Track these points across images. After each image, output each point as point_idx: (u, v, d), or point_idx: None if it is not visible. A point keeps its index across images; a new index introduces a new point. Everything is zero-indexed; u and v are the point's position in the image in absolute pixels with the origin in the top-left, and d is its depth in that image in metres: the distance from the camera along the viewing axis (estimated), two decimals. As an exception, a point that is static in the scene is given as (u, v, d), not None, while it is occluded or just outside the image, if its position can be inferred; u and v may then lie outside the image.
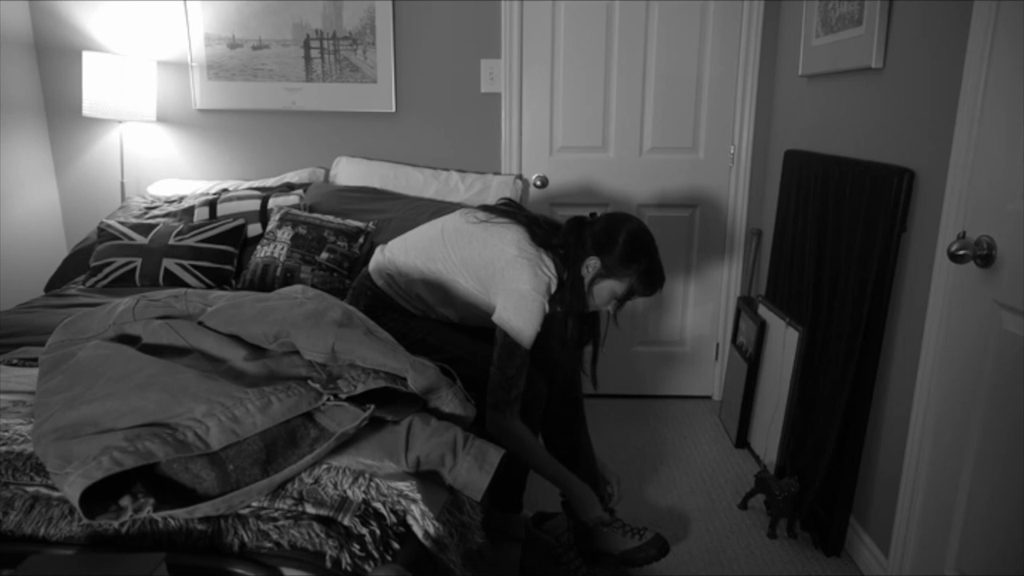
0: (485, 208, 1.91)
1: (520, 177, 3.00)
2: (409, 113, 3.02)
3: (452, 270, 1.85)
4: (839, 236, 2.11)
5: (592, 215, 1.88)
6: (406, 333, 1.83)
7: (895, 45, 1.91)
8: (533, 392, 1.86)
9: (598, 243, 1.79)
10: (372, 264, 2.00)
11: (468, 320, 1.93)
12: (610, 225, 1.81)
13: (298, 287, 1.60)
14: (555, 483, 1.89)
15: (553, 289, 1.78)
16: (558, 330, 1.86)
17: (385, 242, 2.09)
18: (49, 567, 0.95)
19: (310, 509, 1.11)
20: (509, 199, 1.99)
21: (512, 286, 1.74)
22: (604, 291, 1.81)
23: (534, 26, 2.91)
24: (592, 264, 1.79)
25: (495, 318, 1.77)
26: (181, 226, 2.57)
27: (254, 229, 2.64)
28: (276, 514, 1.10)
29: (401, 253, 1.94)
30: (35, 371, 1.53)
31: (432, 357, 1.44)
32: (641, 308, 3.17)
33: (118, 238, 2.53)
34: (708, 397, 3.26)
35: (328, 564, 1.03)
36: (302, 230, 2.49)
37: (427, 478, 1.24)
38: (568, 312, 1.82)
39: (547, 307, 1.77)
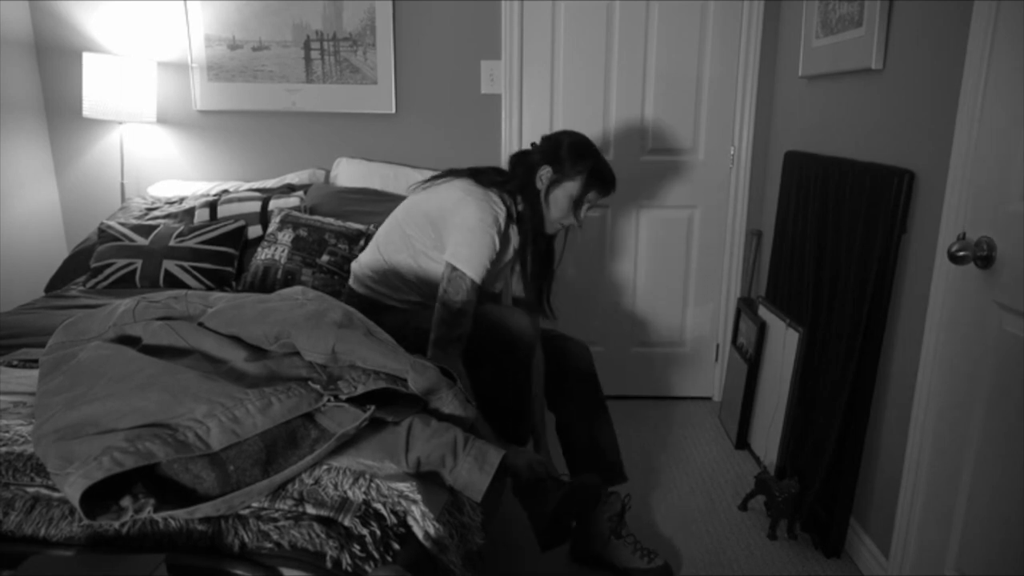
0: (428, 179, 2.01)
1: (520, 178, 3.01)
2: (409, 114, 3.02)
3: (419, 246, 1.90)
4: (839, 237, 2.11)
5: (533, 144, 1.98)
6: (401, 324, 1.84)
7: (895, 46, 1.92)
8: (518, 328, 1.82)
9: (544, 154, 1.89)
10: (351, 279, 2.08)
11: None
12: (551, 138, 1.94)
13: (298, 288, 1.60)
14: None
15: (502, 223, 1.83)
16: (523, 261, 1.94)
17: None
18: (49, 568, 0.95)
19: (310, 510, 1.11)
20: (450, 168, 2.06)
21: (459, 222, 1.81)
22: (561, 199, 1.88)
23: (534, 27, 2.92)
24: (544, 174, 1.87)
25: (446, 256, 1.81)
26: (182, 227, 2.57)
27: (254, 231, 2.65)
28: (276, 515, 1.10)
29: (370, 256, 2.02)
30: (36, 372, 1.53)
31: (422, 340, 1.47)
32: (641, 308, 3.17)
33: (118, 239, 2.53)
34: (708, 398, 3.26)
35: (328, 565, 1.03)
36: (303, 232, 2.49)
37: (427, 479, 1.24)
38: (527, 235, 1.89)
39: (497, 241, 1.81)
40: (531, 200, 1.88)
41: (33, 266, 3.00)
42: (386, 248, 1.98)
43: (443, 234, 1.85)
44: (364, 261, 2.04)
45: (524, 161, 1.92)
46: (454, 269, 1.78)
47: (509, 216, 1.87)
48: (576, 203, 1.90)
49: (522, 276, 2.04)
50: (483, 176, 1.90)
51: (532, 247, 1.92)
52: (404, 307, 1.96)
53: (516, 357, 1.82)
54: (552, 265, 2.06)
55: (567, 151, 1.87)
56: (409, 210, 1.96)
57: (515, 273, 2.12)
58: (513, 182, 1.90)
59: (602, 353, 3.12)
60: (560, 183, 1.87)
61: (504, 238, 1.86)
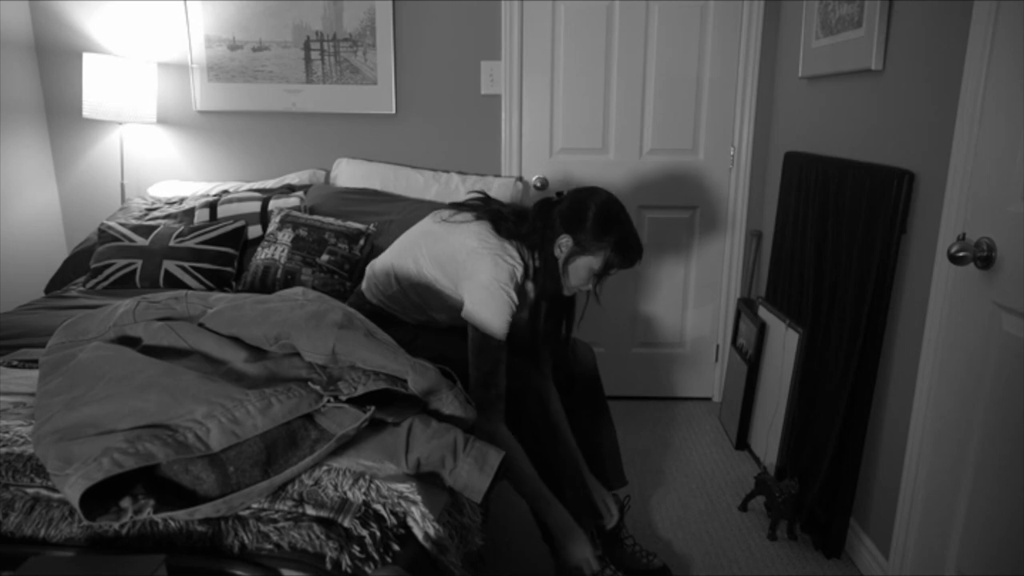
0: (453, 205, 1.90)
1: (520, 179, 3.00)
2: (409, 114, 3.02)
3: (430, 272, 1.84)
4: (839, 238, 2.11)
5: (559, 195, 1.85)
6: (409, 340, 1.82)
7: (895, 47, 1.92)
8: (522, 384, 1.81)
9: (567, 220, 1.75)
10: (364, 282, 2.02)
11: (459, 322, 1.91)
12: (577, 200, 1.78)
13: (298, 289, 1.60)
14: (534, 505, 1.72)
15: (518, 278, 1.73)
16: (534, 317, 1.82)
17: (384, 247, 2.09)
18: (49, 568, 0.95)
19: (310, 511, 1.11)
20: (482, 192, 1.95)
21: (474, 279, 1.71)
22: (580, 269, 1.76)
23: (534, 27, 2.92)
24: (564, 243, 1.74)
25: (464, 314, 1.73)
26: (181, 228, 2.57)
27: (254, 231, 2.65)
28: (276, 515, 1.10)
29: (383, 266, 1.94)
30: (35, 373, 1.53)
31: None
32: (641, 309, 3.17)
33: (118, 239, 2.53)
34: (708, 399, 3.26)
35: (328, 566, 1.03)
36: (303, 232, 2.49)
37: (427, 480, 1.24)
38: (542, 295, 1.78)
39: (514, 297, 1.71)
40: (548, 265, 1.76)
41: (33, 266, 3.00)
42: (399, 269, 1.91)
43: (455, 280, 1.79)
44: (378, 273, 1.96)
45: (545, 215, 1.78)
46: (476, 330, 1.70)
47: (526, 270, 1.76)
48: (597, 276, 1.79)
49: (533, 327, 1.90)
50: (503, 223, 1.78)
51: (547, 306, 1.81)
52: (413, 323, 1.94)
53: (518, 415, 1.77)
54: (572, 314, 1.96)
55: (592, 224, 1.72)
56: (423, 240, 1.86)
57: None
58: (532, 236, 1.77)
59: (603, 354, 3.13)
60: (580, 255, 1.74)
61: (522, 292, 1.77)
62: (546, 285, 1.77)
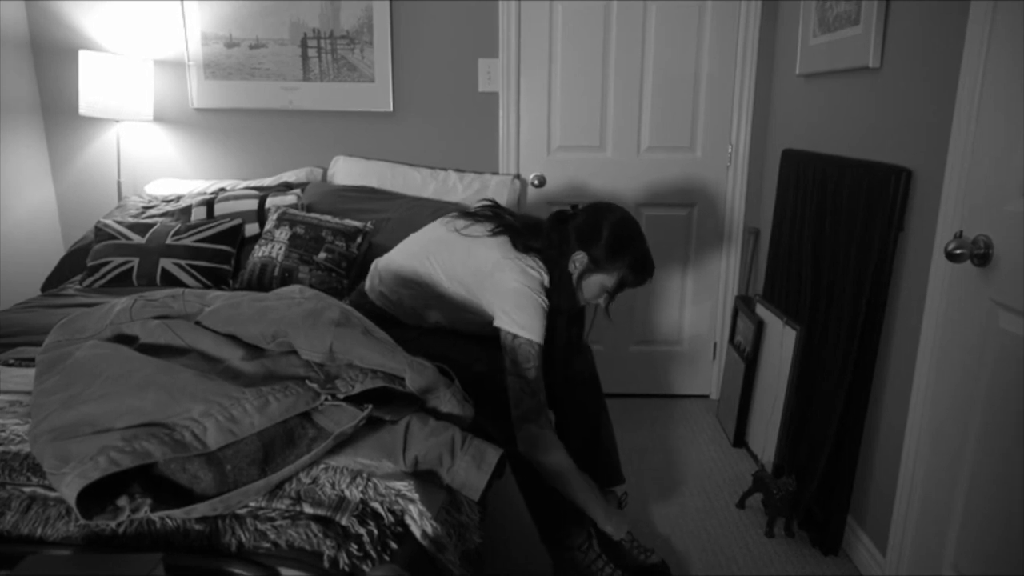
0: (464, 214, 1.88)
1: (518, 177, 3.00)
2: (407, 112, 3.02)
3: (436, 278, 1.82)
4: (836, 235, 2.11)
5: (574, 207, 1.84)
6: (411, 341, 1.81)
7: (892, 45, 1.92)
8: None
9: (582, 237, 1.75)
10: (367, 282, 2.00)
11: (459, 325, 1.90)
12: (592, 217, 1.78)
13: (296, 287, 1.59)
14: (585, 507, 1.75)
15: (546, 285, 1.74)
16: (553, 330, 1.81)
17: (381, 245, 2.07)
18: (46, 567, 0.95)
19: (308, 509, 1.11)
20: (492, 201, 1.94)
21: (503, 287, 1.71)
22: (593, 286, 1.78)
23: (532, 25, 2.91)
24: (579, 259, 1.75)
25: (497, 323, 1.72)
26: (178, 226, 2.56)
27: (251, 229, 2.64)
28: (274, 514, 1.10)
29: (387, 267, 1.93)
30: (32, 371, 1.52)
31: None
32: (639, 307, 3.17)
33: (115, 237, 2.52)
34: (706, 396, 3.27)
35: (326, 564, 1.03)
36: (300, 230, 2.48)
37: (425, 478, 1.24)
38: (558, 310, 1.78)
39: (545, 303, 1.72)
40: (563, 280, 1.76)
41: (30, 265, 2.99)
42: (407, 271, 1.88)
43: (477, 293, 1.77)
44: (383, 273, 1.93)
45: (560, 229, 1.78)
46: (515, 337, 1.68)
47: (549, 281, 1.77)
48: (610, 293, 1.80)
49: (552, 339, 1.88)
50: (519, 238, 1.78)
51: (560, 319, 1.80)
52: (414, 326, 1.93)
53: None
54: (582, 325, 1.96)
55: (606, 243, 1.73)
56: (436, 248, 1.84)
57: None
58: (548, 251, 1.77)
59: (600, 352, 3.13)
60: (594, 273, 1.76)
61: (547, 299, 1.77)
62: (563, 299, 1.77)
